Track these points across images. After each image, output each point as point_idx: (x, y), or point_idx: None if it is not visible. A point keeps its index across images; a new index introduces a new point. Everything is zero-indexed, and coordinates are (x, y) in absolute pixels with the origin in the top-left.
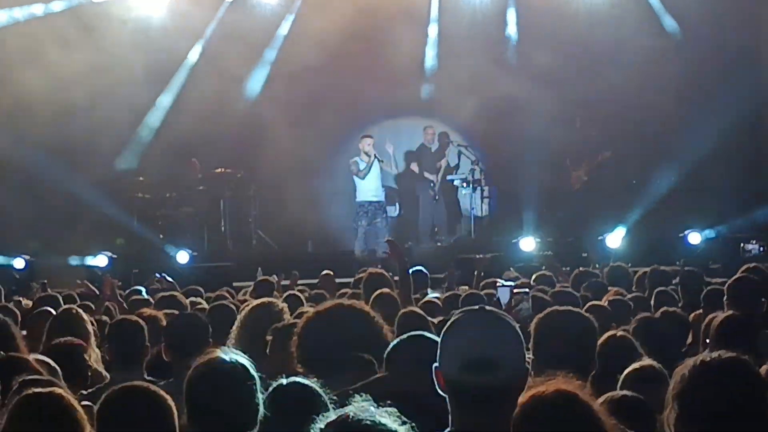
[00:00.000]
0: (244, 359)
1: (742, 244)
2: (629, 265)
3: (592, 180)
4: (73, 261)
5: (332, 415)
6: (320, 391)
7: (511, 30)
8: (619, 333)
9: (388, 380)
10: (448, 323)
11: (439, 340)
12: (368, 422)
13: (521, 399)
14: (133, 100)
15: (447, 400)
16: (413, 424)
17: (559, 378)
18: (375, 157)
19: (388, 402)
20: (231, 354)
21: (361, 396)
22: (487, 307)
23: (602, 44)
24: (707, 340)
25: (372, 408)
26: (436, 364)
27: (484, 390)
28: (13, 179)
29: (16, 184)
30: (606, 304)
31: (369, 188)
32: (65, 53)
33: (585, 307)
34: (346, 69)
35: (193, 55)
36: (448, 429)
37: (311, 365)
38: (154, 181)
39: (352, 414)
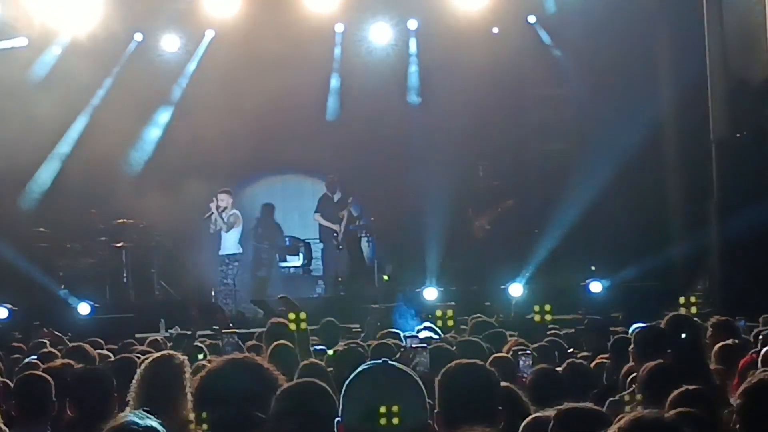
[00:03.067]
0: (155, 422)
1: None
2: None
3: (494, 229)
4: None
5: None
6: None
7: (413, 79)
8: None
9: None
10: (352, 375)
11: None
12: None
13: None
14: (35, 148)
15: None
16: None
17: None
18: (216, 211)
19: None
20: (143, 417)
21: None
22: (390, 361)
23: (501, 92)
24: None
25: None
26: (338, 419)
27: None
28: None
29: None
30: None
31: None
32: None
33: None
34: (247, 118)
35: (93, 102)
36: None
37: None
38: (54, 232)
39: None
